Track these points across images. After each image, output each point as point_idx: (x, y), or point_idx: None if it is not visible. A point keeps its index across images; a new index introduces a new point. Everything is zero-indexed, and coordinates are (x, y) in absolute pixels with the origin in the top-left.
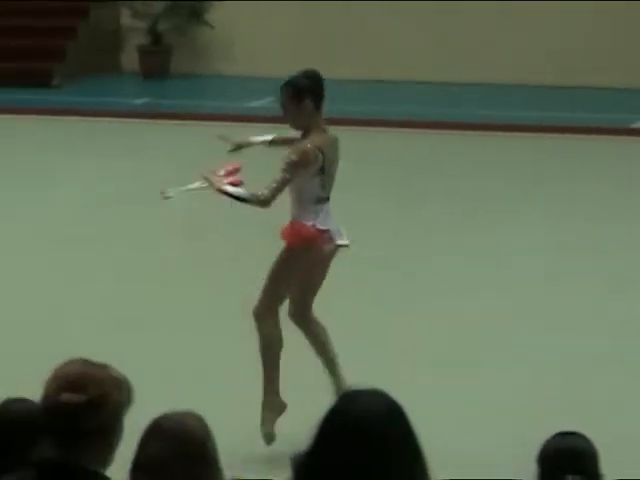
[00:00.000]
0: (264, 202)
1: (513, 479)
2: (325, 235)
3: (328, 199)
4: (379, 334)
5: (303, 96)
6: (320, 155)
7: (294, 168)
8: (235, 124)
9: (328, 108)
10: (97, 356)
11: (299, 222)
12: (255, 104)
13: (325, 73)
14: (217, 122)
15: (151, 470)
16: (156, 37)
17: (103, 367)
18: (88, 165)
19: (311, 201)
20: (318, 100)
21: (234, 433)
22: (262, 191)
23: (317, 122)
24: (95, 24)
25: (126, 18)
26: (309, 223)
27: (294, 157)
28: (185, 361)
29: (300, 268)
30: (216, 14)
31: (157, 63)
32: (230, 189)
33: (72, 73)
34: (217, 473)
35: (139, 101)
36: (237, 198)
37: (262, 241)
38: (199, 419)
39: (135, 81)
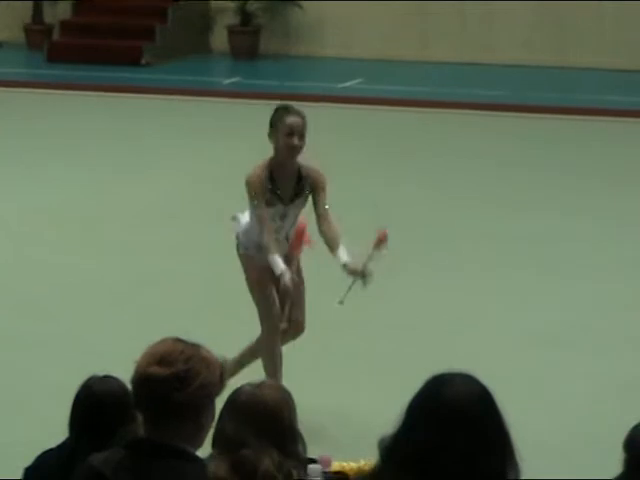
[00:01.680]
0: None
1: None
2: None
3: None
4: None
5: None
6: None
7: None
8: (324, 104)
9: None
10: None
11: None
12: (344, 85)
13: (417, 55)
14: (306, 102)
15: (228, 442)
16: (246, 17)
17: (195, 346)
18: (179, 144)
19: None
20: None
21: None
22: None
23: None
24: (185, 4)
25: None
26: None
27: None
28: None
29: None
30: None
31: (246, 43)
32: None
33: (162, 53)
34: (292, 442)
35: (228, 81)
36: None
37: None
38: (276, 389)
39: (224, 61)
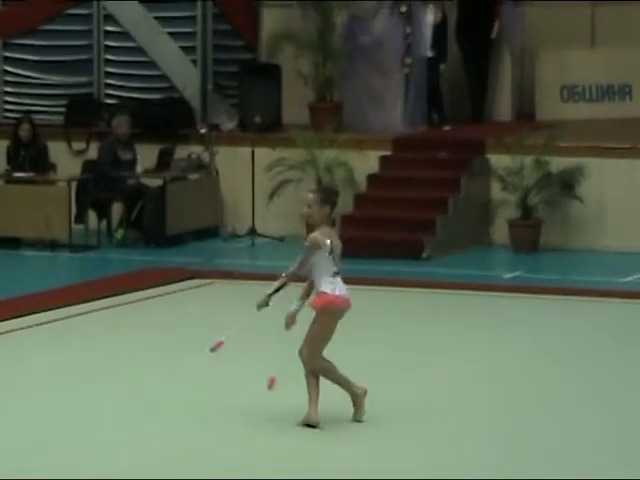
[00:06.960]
0: (294, 274)
1: None
2: (341, 299)
3: (339, 273)
4: None
5: (326, 204)
6: (327, 241)
7: (310, 250)
8: (606, 300)
9: None
10: None
11: (324, 292)
12: (624, 280)
13: None
14: (588, 297)
15: None
16: (526, 211)
17: None
18: (457, 338)
19: (328, 275)
20: (332, 209)
21: None
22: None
23: (327, 222)
24: (466, 197)
25: (496, 192)
26: (329, 291)
27: (307, 243)
28: None
29: (332, 324)
30: (586, 187)
31: (527, 237)
32: (270, 290)
33: (442, 245)
34: None
35: (509, 275)
36: (277, 290)
37: None
38: None
39: (505, 254)
